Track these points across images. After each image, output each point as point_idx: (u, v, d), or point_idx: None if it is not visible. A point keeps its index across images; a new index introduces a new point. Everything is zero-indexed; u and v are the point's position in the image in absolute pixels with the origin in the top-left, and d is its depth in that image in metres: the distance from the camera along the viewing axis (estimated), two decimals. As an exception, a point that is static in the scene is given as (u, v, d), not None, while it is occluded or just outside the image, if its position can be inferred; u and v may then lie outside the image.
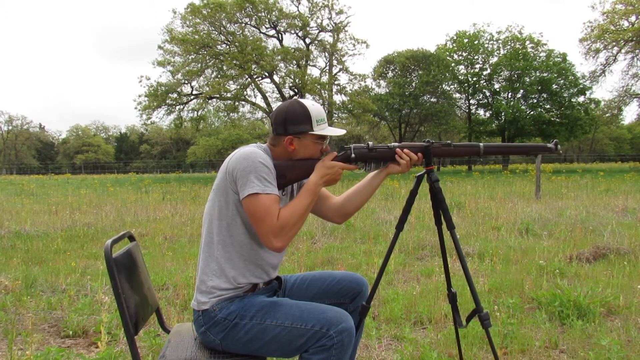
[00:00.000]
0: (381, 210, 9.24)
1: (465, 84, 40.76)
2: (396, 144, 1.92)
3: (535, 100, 39.33)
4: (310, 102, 1.84)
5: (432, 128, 41.70)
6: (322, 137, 1.86)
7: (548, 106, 39.05)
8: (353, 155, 1.90)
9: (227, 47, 31.57)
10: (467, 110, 42.37)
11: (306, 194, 1.80)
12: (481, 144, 1.94)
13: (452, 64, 40.28)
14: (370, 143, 1.90)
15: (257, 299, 1.80)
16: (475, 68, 41.05)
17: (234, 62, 29.62)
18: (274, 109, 1.88)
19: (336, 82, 33.26)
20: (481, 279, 4.35)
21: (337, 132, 1.88)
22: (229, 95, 30.75)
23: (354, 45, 33.51)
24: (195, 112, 32.70)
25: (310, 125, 1.81)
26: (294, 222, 1.73)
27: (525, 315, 3.39)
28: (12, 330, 3.16)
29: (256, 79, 32.02)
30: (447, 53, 40.74)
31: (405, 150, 1.90)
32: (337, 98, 33.94)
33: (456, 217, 8.08)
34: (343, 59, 33.62)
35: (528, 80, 38.06)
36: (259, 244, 1.81)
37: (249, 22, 32.45)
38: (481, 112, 42.51)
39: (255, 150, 1.77)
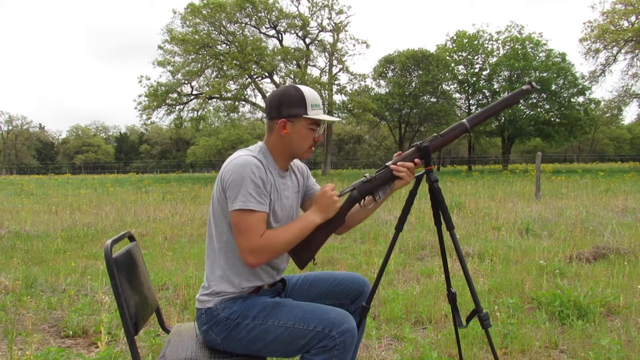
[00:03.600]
0: (381, 210, 9.24)
1: (465, 84, 40.74)
2: (390, 162, 1.90)
3: (534, 100, 39.31)
4: (306, 87, 1.81)
5: (432, 128, 41.65)
6: (316, 123, 1.81)
7: (547, 106, 39.03)
8: (356, 193, 1.88)
9: (227, 47, 31.60)
10: (467, 110, 42.36)
11: (301, 225, 1.78)
12: (464, 121, 1.90)
13: (452, 64, 40.27)
14: (367, 175, 1.88)
15: (260, 300, 1.81)
16: (475, 68, 41.04)
17: (234, 62, 29.64)
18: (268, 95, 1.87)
19: (336, 82, 33.28)
20: (481, 279, 4.35)
21: (332, 118, 1.87)
22: (229, 95, 30.78)
23: (354, 45, 33.64)
24: (195, 112, 32.75)
25: (305, 109, 1.77)
26: (275, 247, 1.72)
27: (525, 315, 3.39)
28: (12, 330, 3.16)
29: (256, 79, 32.04)
30: (447, 53, 40.73)
31: (399, 163, 1.88)
32: (337, 98, 34.01)
33: (456, 217, 8.08)
34: (343, 59, 33.67)
35: (527, 80, 37.96)
36: None
37: (249, 22, 32.48)
38: (481, 112, 42.47)
39: (249, 160, 1.71)
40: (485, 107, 1.92)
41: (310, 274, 2.08)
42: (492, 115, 1.95)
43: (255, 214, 1.68)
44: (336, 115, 35.16)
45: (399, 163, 1.87)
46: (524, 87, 1.90)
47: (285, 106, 1.77)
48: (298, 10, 33.34)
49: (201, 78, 31.84)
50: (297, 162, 2.02)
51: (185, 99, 32.39)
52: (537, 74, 37.81)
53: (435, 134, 1.92)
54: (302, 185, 2.01)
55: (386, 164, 1.89)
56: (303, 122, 1.78)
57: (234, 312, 1.76)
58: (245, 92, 31.93)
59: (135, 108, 31.74)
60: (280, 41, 33.92)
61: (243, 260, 1.72)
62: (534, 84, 1.90)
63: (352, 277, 2.03)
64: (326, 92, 32.05)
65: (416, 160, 1.89)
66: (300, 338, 1.69)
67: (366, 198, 1.89)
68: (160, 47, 31.34)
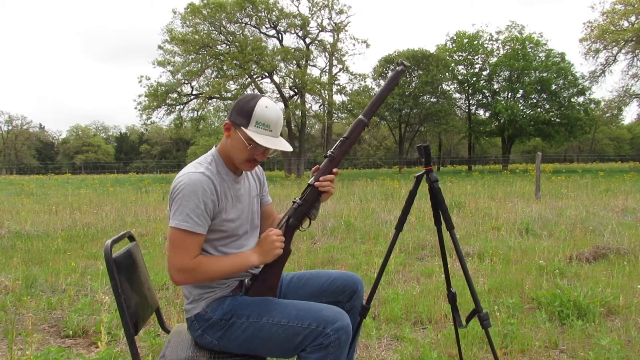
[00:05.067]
0: (381, 210, 9.25)
1: (465, 84, 40.73)
2: (312, 179, 1.89)
3: (534, 100, 39.31)
4: (266, 104, 1.73)
5: (432, 128, 41.69)
6: (254, 144, 1.73)
7: (547, 106, 39.03)
8: (293, 221, 1.87)
9: (227, 47, 31.61)
10: (467, 110, 42.37)
11: (237, 261, 1.78)
12: (361, 117, 1.91)
13: (452, 64, 40.26)
14: (297, 199, 1.88)
15: (252, 298, 1.82)
16: (475, 68, 41.01)
17: (234, 62, 29.64)
18: None
19: (336, 82, 33.29)
20: (481, 279, 4.35)
21: (271, 144, 1.73)
22: (229, 95, 30.78)
23: (354, 45, 33.65)
24: (195, 112, 32.78)
25: (247, 123, 1.71)
26: (204, 273, 1.72)
27: (525, 315, 3.39)
28: (12, 330, 3.16)
29: (256, 79, 32.04)
30: (447, 53, 40.72)
31: (320, 178, 1.87)
32: (337, 98, 34.01)
33: (456, 217, 8.09)
34: (343, 59, 33.67)
35: (527, 80, 38.03)
36: (230, 249, 1.82)
37: (249, 22, 32.50)
38: (481, 112, 42.55)
39: (196, 180, 1.68)
40: (373, 98, 1.92)
41: (306, 273, 2.08)
42: (381, 103, 1.95)
43: (190, 235, 1.67)
44: (336, 115, 35.15)
45: (321, 178, 1.86)
46: (397, 68, 1.92)
47: (235, 110, 1.75)
48: (298, 10, 33.43)
49: (201, 78, 31.89)
50: None
51: (185, 99, 32.41)
52: (537, 74, 37.81)
53: (341, 139, 1.92)
54: (259, 190, 2.00)
55: (309, 182, 1.89)
56: (241, 133, 1.74)
57: (227, 312, 1.76)
58: (245, 92, 31.92)
59: (135, 108, 31.81)
60: (280, 41, 33.94)
61: (170, 275, 1.72)
62: (404, 62, 1.92)
63: (345, 276, 2.03)
64: (326, 92, 32.05)
65: (334, 170, 1.88)
66: (295, 336, 1.70)
67: (303, 221, 1.90)
68: (160, 47, 31.38)
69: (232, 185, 1.82)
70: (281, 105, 30.98)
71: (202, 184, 1.68)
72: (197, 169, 1.73)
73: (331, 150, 1.89)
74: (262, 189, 2.03)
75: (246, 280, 1.87)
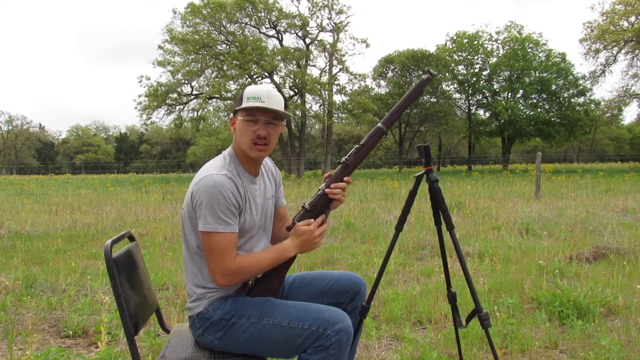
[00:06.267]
0: (381, 210, 9.25)
1: (465, 84, 40.74)
2: (323, 185, 1.86)
3: (534, 101, 39.30)
4: (257, 85, 1.82)
5: (432, 128, 41.69)
6: (251, 114, 1.75)
7: (547, 106, 39.02)
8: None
9: (227, 47, 31.60)
10: (467, 110, 42.37)
11: (275, 255, 1.79)
12: (380, 125, 1.89)
13: (452, 64, 40.25)
14: (306, 204, 1.86)
15: (253, 298, 1.81)
16: (475, 68, 41.02)
17: (234, 62, 29.63)
18: None
19: (336, 82, 33.25)
20: (481, 279, 4.35)
21: (260, 104, 1.73)
22: (229, 95, 30.77)
23: (354, 45, 33.58)
24: (195, 112, 32.76)
25: (241, 102, 1.77)
26: (247, 273, 1.75)
27: (525, 315, 3.39)
28: (12, 330, 3.16)
29: (256, 79, 32.01)
30: (447, 53, 40.73)
31: (332, 185, 1.85)
32: (337, 98, 33.98)
33: (456, 217, 8.08)
34: (343, 59, 33.65)
35: (527, 80, 38.02)
36: (239, 251, 1.81)
37: (249, 22, 32.48)
38: (481, 112, 42.54)
39: (218, 181, 1.68)
40: (394, 106, 1.90)
41: (308, 274, 2.08)
42: (403, 111, 1.93)
43: (224, 236, 1.68)
44: (336, 115, 35.15)
45: (332, 185, 1.85)
46: (424, 76, 1.90)
47: (235, 105, 1.81)
48: (298, 10, 33.42)
49: (201, 78, 31.88)
50: (270, 167, 2.01)
51: (185, 99, 32.40)
52: (537, 74, 37.79)
53: (357, 145, 1.90)
54: (274, 192, 2.00)
55: (319, 188, 1.87)
56: (240, 115, 1.78)
57: (228, 312, 1.76)
58: (245, 92, 31.84)
59: (135, 108, 31.79)
60: (280, 41, 33.92)
61: (213, 280, 1.74)
62: (432, 70, 1.91)
63: (348, 276, 2.03)
64: (326, 92, 32.03)
65: (345, 178, 1.86)
66: (296, 337, 1.70)
67: None
68: (160, 47, 31.37)
69: (249, 185, 1.82)
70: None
71: (226, 185, 1.69)
72: (219, 172, 1.72)
73: (346, 157, 1.88)
74: (277, 190, 2.03)
75: (250, 281, 1.87)
